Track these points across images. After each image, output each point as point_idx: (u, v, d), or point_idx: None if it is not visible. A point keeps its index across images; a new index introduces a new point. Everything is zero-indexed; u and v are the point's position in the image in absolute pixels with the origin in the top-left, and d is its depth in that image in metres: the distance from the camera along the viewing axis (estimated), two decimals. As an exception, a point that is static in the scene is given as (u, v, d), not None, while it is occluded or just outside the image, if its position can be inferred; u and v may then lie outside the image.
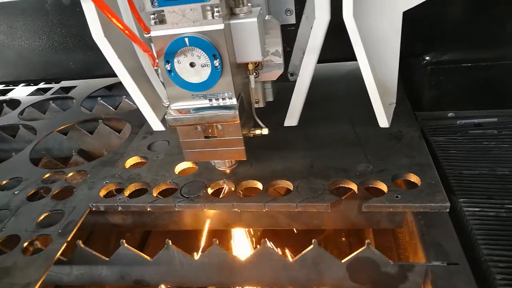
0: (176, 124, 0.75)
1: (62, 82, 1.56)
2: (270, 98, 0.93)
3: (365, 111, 1.10)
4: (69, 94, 1.48)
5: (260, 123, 0.85)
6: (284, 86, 1.09)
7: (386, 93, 0.83)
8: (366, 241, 0.73)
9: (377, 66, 0.81)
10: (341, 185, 0.85)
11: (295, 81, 1.05)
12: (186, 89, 0.71)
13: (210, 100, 0.73)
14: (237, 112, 0.72)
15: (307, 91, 0.82)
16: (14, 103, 1.48)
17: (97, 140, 1.27)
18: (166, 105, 0.74)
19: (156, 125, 0.84)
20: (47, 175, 1.02)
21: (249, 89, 0.82)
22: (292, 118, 0.86)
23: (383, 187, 0.81)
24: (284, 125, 0.86)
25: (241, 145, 0.78)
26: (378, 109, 0.78)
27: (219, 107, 0.72)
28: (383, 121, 0.79)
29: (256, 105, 0.93)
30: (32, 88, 1.55)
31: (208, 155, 0.80)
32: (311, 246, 0.75)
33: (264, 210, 0.82)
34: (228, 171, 0.89)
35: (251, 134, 0.83)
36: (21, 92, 1.55)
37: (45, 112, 1.45)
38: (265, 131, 0.84)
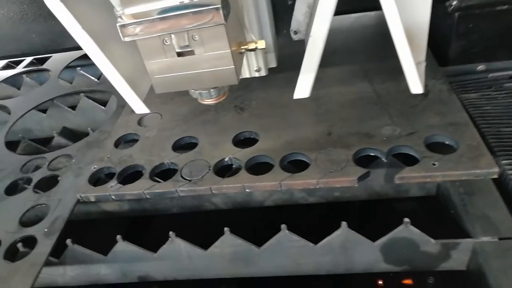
0: (134, 35, 0.55)
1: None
2: (273, 64, 0.80)
3: (381, 65, 0.98)
4: (44, 66, 1.32)
5: (254, 37, 0.70)
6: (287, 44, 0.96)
7: (413, 49, 0.69)
8: (405, 220, 0.62)
9: (404, 16, 0.66)
10: (366, 154, 0.74)
11: (299, 40, 0.91)
12: None
13: None
14: (220, 8, 0.51)
15: (321, 55, 0.67)
16: (-17, 81, 1.32)
17: (80, 117, 1.14)
18: (119, 11, 0.56)
19: (137, 106, 0.70)
20: (26, 163, 0.90)
21: None
22: (303, 89, 0.71)
23: (416, 153, 0.70)
24: (294, 97, 0.72)
25: (230, 62, 0.58)
26: (410, 70, 0.65)
27: (193, 5, 0.52)
28: (416, 86, 0.66)
29: (257, 74, 0.80)
30: (1, 62, 1.39)
31: (185, 81, 0.61)
32: (340, 230, 0.64)
33: (280, 189, 0.71)
34: (214, 103, 0.71)
35: (243, 49, 0.65)
36: (-11, 68, 1.39)
37: (20, 87, 1.30)
38: (261, 44, 0.66)
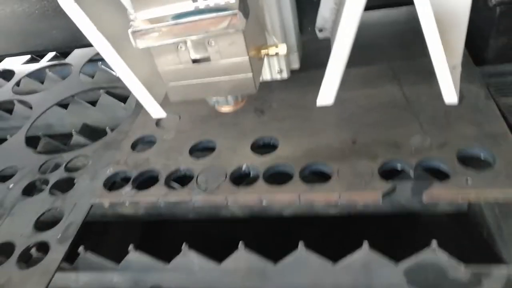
0: (147, 42, 0.53)
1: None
2: (295, 66, 0.76)
3: (411, 65, 0.91)
4: (66, 60, 1.31)
5: (276, 39, 0.65)
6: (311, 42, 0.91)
7: (448, 50, 0.62)
8: (432, 244, 0.58)
9: (438, 11, 0.60)
10: (392, 166, 0.69)
11: (325, 39, 0.86)
12: None
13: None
14: (238, 13, 0.48)
15: (347, 60, 0.62)
16: (8, 74, 1.33)
17: (100, 113, 1.13)
18: (132, 16, 0.53)
19: (154, 110, 0.67)
20: (44, 163, 0.89)
21: None
22: (326, 95, 0.66)
23: (447, 167, 0.65)
24: (317, 104, 0.67)
25: (248, 70, 0.55)
26: (444, 77, 0.58)
27: (209, 10, 0.49)
28: (450, 95, 0.59)
29: (279, 76, 0.76)
30: (24, 57, 1.39)
31: (200, 89, 0.58)
32: (361, 250, 0.60)
33: (298, 203, 0.67)
34: (231, 110, 0.69)
35: (263, 54, 0.61)
36: (14, 61, 1.39)
37: (43, 81, 1.30)
38: (282, 49, 0.61)
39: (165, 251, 0.73)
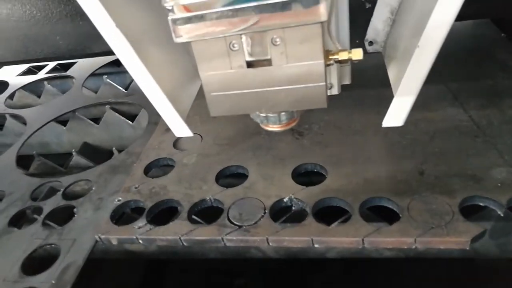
0: (191, 34, 0.40)
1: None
2: (347, 81, 0.64)
3: (470, 86, 0.80)
4: (68, 73, 1.18)
5: (338, 44, 0.53)
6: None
7: None
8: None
9: None
10: (474, 203, 0.56)
11: (376, 52, 0.75)
12: None
13: None
14: (322, 2, 0.36)
15: (427, 73, 0.49)
16: (1, 86, 1.19)
17: (104, 131, 0.99)
18: (169, 2, 0.40)
19: (179, 128, 0.54)
20: (38, 187, 0.75)
21: None
22: (396, 116, 0.53)
23: (548, 208, 0.52)
24: (383, 125, 0.53)
25: (320, 78, 0.42)
26: None
27: None
28: None
29: (327, 92, 0.64)
30: (23, 66, 1.26)
31: (253, 101, 0.45)
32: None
33: (360, 247, 0.53)
34: (280, 129, 0.56)
35: (332, 61, 0.47)
36: (9, 72, 1.26)
37: (40, 95, 1.17)
38: (357, 53, 0.48)
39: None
